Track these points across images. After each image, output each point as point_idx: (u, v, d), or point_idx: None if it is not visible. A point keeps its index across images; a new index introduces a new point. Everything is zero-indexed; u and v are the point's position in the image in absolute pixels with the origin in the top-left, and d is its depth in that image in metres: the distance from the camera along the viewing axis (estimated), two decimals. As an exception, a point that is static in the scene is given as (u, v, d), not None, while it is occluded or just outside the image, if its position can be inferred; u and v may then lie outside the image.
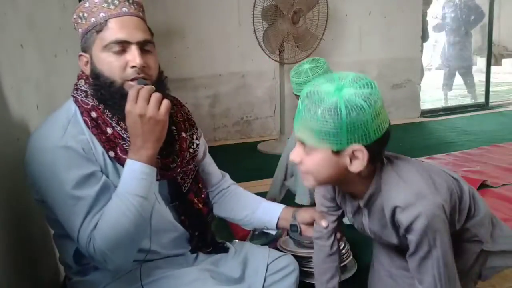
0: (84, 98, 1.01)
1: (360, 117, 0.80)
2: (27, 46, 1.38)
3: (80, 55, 1.03)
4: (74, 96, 1.03)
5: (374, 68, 4.22)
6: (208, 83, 3.87)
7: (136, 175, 0.93)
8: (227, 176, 1.39)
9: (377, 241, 1.13)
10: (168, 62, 3.49)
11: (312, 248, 1.48)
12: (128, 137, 0.97)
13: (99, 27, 0.97)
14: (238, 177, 2.51)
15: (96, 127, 0.98)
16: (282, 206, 1.31)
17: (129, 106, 0.92)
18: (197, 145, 1.18)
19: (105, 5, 0.97)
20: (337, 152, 0.84)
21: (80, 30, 1.01)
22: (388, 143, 0.89)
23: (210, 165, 1.33)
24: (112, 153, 0.98)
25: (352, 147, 0.83)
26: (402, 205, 0.88)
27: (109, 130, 0.99)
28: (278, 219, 1.28)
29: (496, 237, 1.09)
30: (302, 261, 1.38)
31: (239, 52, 3.88)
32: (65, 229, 0.97)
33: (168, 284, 1.03)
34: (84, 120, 0.99)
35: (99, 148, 0.98)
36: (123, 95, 0.96)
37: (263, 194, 2.15)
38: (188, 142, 1.14)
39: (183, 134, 1.13)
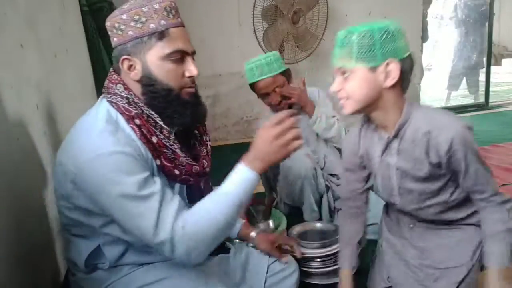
0: (127, 105, 0.98)
1: (388, 35, 0.98)
2: (27, 46, 1.38)
3: (125, 59, 0.98)
4: (112, 102, 0.99)
5: (374, 68, 4.23)
6: (208, 83, 3.87)
7: (247, 183, 0.96)
8: None
9: (397, 194, 1.15)
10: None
11: (311, 248, 1.48)
12: (171, 145, 1.01)
13: (161, 35, 0.96)
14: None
15: (144, 136, 0.98)
16: (242, 221, 1.35)
17: (269, 123, 0.97)
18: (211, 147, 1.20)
19: (165, 13, 0.97)
20: (373, 69, 1.00)
21: (130, 32, 0.96)
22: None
23: None
24: (158, 161, 0.98)
25: (386, 62, 0.99)
26: (437, 129, 1.01)
27: (154, 139, 0.99)
28: (239, 231, 1.33)
29: None
30: (302, 261, 1.38)
31: (239, 52, 3.88)
32: (92, 229, 0.98)
33: (171, 284, 1.03)
34: (132, 128, 0.97)
35: (149, 155, 0.98)
36: (182, 102, 1.01)
37: (263, 194, 2.15)
38: (208, 146, 1.17)
39: (205, 138, 1.16)
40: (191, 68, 1.01)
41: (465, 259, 1.12)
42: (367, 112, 1.10)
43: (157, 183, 0.93)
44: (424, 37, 4.53)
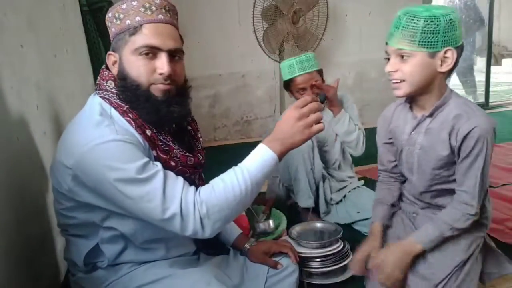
0: (118, 100, 1.01)
1: (452, 24, 1.04)
2: (27, 46, 1.38)
3: (109, 54, 1.03)
4: (104, 97, 1.01)
5: (374, 68, 4.22)
6: (208, 83, 3.87)
7: (265, 160, 0.97)
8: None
9: (416, 172, 1.22)
10: (168, 62, 3.48)
11: (311, 248, 1.48)
12: (164, 138, 1.02)
13: (133, 31, 0.98)
14: (238, 177, 2.51)
15: (139, 127, 0.99)
16: (240, 231, 1.34)
17: (293, 106, 0.99)
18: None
19: (142, 9, 0.98)
20: (432, 55, 1.06)
21: (113, 29, 1.02)
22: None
23: None
24: (154, 153, 1.00)
25: (445, 49, 1.05)
26: (466, 115, 1.09)
27: (148, 132, 1.00)
28: (234, 240, 1.31)
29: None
30: (302, 260, 1.38)
31: (239, 52, 3.88)
32: (90, 228, 0.99)
33: (171, 284, 1.03)
34: (127, 120, 0.99)
35: (146, 144, 0.99)
36: (148, 98, 0.99)
37: (263, 194, 2.15)
38: (201, 142, 1.19)
39: (198, 135, 1.18)
40: (160, 65, 0.98)
41: (461, 250, 1.14)
42: (416, 94, 1.14)
43: (158, 165, 0.94)
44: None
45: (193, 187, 0.95)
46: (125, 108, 1.00)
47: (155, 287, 1.02)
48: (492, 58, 5.34)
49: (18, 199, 1.14)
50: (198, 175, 1.16)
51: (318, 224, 1.68)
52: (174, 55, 1.02)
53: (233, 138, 4.06)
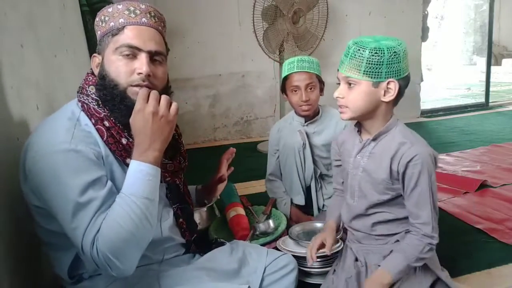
0: (97, 107, 1.00)
1: (396, 57, 1.09)
2: (27, 46, 1.38)
3: (94, 56, 1.04)
4: (82, 102, 1.01)
5: (374, 68, 4.23)
6: (208, 83, 3.87)
7: (142, 176, 0.92)
8: None
9: (357, 195, 1.27)
10: (168, 62, 3.48)
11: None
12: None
13: (116, 31, 0.99)
14: (238, 177, 2.52)
15: (112, 137, 0.98)
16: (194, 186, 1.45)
17: (140, 105, 0.92)
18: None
19: (126, 12, 1.00)
20: (376, 85, 1.11)
21: (99, 32, 1.03)
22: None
23: None
24: (129, 160, 0.96)
25: (388, 80, 1.11)
26: (409, 142, 1.14)
27: (123, 141, 0.99)
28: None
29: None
30: (302, 260, 1.38)
31: (239, 52, 3.88)
32: (67, 238, 0.94)
33: (164, 284, 1.03)
34: (98, 129, 0.97)
35: (111, 158, 0.98)
36: (123, 98, 0.98)
37: (263, 194, 2.15)
38: (183, 144, 1.19)
39: (180, 138, 1.19)
40: (139, 65, 0.98)
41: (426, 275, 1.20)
42: (360, 119, 1.22)
43: (101, 192, 0.90)
44: (424, 37, 4.53)
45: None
46: (102, 115, 0.98)
47: None
48: (492, 58, 5.34)
49: (18, 199, 1.14)
50: (180, 177, 1.17)
51: (318, 224, 1.68)
52: (155, 58, 1.02)
53: (233, 138, 4.06)
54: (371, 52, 1.09)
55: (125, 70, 0.98)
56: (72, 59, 2.04)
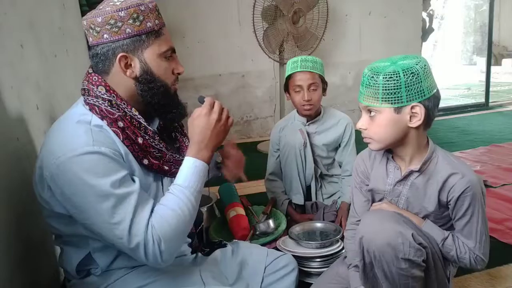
0: (109, 107, 0.97)
1: (414, 77, 0.99)
2: (27, 46, 1.38)
3: (123, 56, 0.97)
4: (92, 104, 0.97)
5: (374, 68, 4.23)
6: (208, 83, 3.87)
7: (197, 172, 0.99)
8: None
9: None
10: (168, 62, 3.48)
11: (311, 248, 1.48)
12: (156, 145, 1.03)
13: (157, 34, 1.00)
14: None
15: (128, 138, 0.97)
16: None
17: (206, 109, 1.03)
18: None
19: (156, 13, 1.01)
20: (398, 111, 1.02)
21: (127, 29, 0.96)
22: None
23: None
24: (146, 161, 1.00)
25: (411, 105, 1.01)
26: (460, 173, 1.05)
27: (139, 140, 0.99)
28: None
29: None
30: (302, 260, 1.38)
31: (239, 52, 3.88)
32: (83, 237, 0.97)
33: (168, 284, 1.03)
34: (114, 131, 0.96)
35: (131, 157, 0.98)
36: (173, 99, 1.07)
37: (263, 194, 2.15)
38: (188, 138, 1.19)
39: (185, 130, 1.19)
40: (178, 66, 1.06)
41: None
42: (391, 147, 1.13)
43: (135, 183, 0.94)
44: (424, 37, 4.54)
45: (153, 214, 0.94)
46: (115, 116, 0.97)
47: None
48: (492, 58, 5.34)
49: (18, 199, 1.14)
50: None
51: (318, 224, 1.68)
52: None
53: (233, 138, 4.06)
54: (385, 78, 1.00)
55: (169, 72, 1.05)
56: (72, 59, 2.04)
